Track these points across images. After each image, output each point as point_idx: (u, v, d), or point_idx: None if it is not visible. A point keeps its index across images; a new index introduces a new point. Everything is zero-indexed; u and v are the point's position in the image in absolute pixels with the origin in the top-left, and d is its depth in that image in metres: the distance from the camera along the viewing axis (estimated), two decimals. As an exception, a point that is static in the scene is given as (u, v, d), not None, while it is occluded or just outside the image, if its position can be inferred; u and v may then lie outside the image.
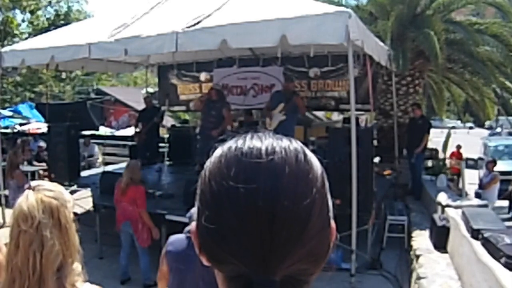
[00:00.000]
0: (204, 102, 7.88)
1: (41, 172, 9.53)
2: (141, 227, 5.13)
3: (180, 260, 2.59)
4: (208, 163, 0.58)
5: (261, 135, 0.58)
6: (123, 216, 5.21)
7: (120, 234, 5.28)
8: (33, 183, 1.33)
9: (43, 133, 12.06)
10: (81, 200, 7.38)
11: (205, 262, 0.57)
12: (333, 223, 0.59)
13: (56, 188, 1.34)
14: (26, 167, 9.51)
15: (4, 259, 1.28)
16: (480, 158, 12.62)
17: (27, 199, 1.26)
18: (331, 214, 0.58)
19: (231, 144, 0.58)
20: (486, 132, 29.54)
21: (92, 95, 24.28)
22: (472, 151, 14.01)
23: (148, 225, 5.15)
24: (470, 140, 20.66)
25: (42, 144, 11.22)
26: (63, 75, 22.49)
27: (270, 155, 0.54)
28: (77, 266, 1.31)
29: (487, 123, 32.41)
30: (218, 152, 0.58)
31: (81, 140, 10.68)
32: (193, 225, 0.59)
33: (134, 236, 5.17)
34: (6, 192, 8.23)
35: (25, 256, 1.22)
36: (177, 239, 2.68)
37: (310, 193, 0.54)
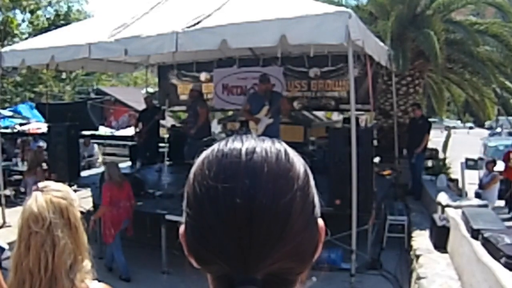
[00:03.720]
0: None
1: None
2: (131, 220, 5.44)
3: None
4: (193, 166, 0.60)
5: (243, 137, 0.59)
6: (125, 214, 5.35)
7: (116, 234, 5.34)
8: (40, 185, 1.34)
9: (43, 133, 12.04)
10: (81, 200, 7.38)
11: (194, 264, 0.58)
12: (321, 222, 0.59)
13: (63, 188, 1.36)
14: (26, 167, 9.51)
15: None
16: (480, 158, 12.60)
17: (37, 201, 1.28)
18: (318, 213, 0.59)
19: (214, 146, 0.59)
20: (486, 132, 29.53)
21: (92, 95, 24.24)
22: (472, 151, 14.02)
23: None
24: (470, 140, 20.66)
25: (42, 144, 11.21)
26: (63, 75, 22.51)
27: (249, 154, 0.55)
28: (87, 264, 1.33)
29: (487, 123, 32.38)
30: (202, 155, 0.60)
31: (81, 140, 10.67)
32: (181, 227, 0.60)
33: (123, 231, 5.40)
34: (7, 192, 8.27)
35: (37, 257, 1.23)
36: None
37: (290, 190, 0.54)
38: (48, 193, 1.30)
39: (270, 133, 6.52)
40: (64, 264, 1.25)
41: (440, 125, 23.36)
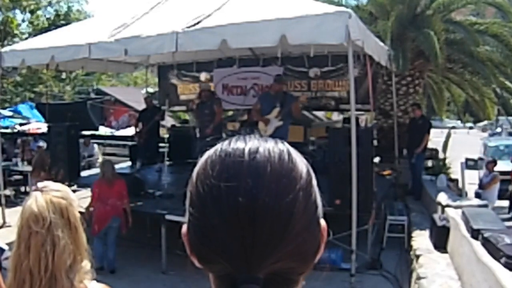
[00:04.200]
0: (197, 106, 7.86)
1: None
2: (124, 219, 5.53)
3: None
4: (196, 166, 0.60)
5: (246, 137, 0.59)
6: (114, 211, 5.42)
7: (107, 231, 5.41)
8: (39, 185, 1.34)
9: (43, 133, 12.04)
10: (81, 200, 7.38)
11: (196, 264, 0.58)
12: (323, 223, 0.60)
13: (62, 188, 1.36)
14: (26, 167, 9.51)
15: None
16: (480, 158, 12.59)
17: (37, 201, 1.27)
18: (320, 213, 0.59)
19: (217, 147, 0.60)
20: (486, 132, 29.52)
21: (92, 95, 24.23)
22: (472, 151, 14.01)
23: (128, 215, 5.55)
24: (470, 140, 20.66)
25: (42, 144, 11.21)
26: (63, 75, 22.50)
27: (252, 154, 0.56)
28: (86, 264, 1.33)
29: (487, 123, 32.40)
30: (205, 155, 0.60)
31: (81, 140, 10.67)
32: (184, 227, 0.60)
33: (117, 229, 5.46)
34: (7, 192, 8.27)
35: (37, 257, 1.23)
36: None
37: (292, 190, 0.54)
38: (48, 193, 1.29)
39: (278, 135, 6.23)
40: (64, 264, 1.25)
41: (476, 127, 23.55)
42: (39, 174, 7.31)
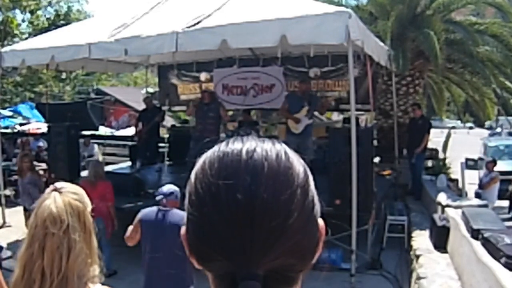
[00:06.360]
0: (197, 106, 7.82)
1: (41, 172, 9.51)
2: (108, 221, 5.47)
3: (153, 227, 3.39)
4: (195, 167, 0.61)
5: (244, 138, 0.60)
6: (97, 213, 5.34)
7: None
8: (57, 185, 1.32)
9: (43, 133, 12.03)
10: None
11: (196, 265, 0.59)
12: (321, 222, 0.60)
13: (78, 190, 1.35)
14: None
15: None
16: (480, 158, 12.58)
17: (55, 202, 1.26)
18: (317, 212, 0.60)
19: (215, 148, 0.61)
20: (486, 132, 29.52)
21: (92, 95, 24.24)
22: (472, 151, 14.01)
23: (112, 218, 5.50)
24: (470, 140, 20.66)
25: (42, 144, 11.21)
26: (63, 75, 22.49)
27: (250, 153, 0.57)
28: (95, 269, 1.32)
29: (487, 123, 32.39)
30: (203, 156, 0.61)
31: (81, 140, 10.67)
32: (183, 229, 0.60)
33: (104, 230, 5.36)
34: (7, 192, 8.27)
35: (51, 258, 1.22)
36: (150, 210, 3.40)
37: (290, 187, 0.55)
38: (66, 195, 1.29)
39: (307, 133, 6.90)
40: (77, 268, 1.25)
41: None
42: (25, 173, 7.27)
